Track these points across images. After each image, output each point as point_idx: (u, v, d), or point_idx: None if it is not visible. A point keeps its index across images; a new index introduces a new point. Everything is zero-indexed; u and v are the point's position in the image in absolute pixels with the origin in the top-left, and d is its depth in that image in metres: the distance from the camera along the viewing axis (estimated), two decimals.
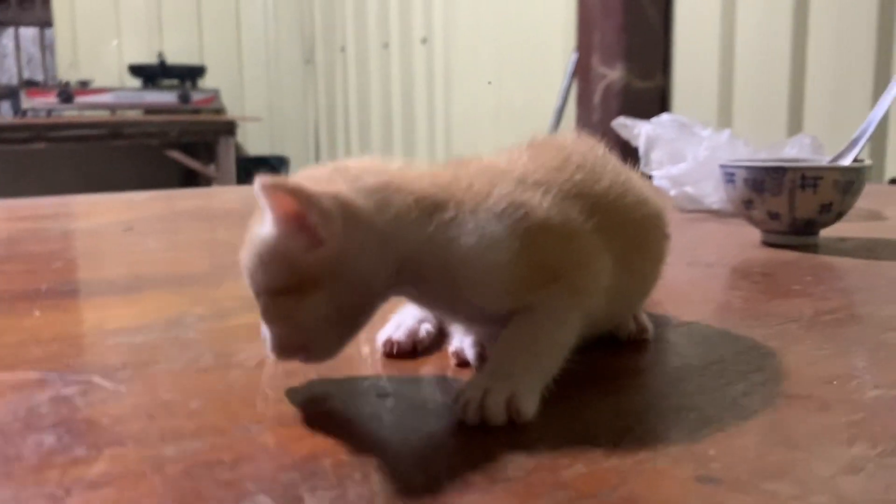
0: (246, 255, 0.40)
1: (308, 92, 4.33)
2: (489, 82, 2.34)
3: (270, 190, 0.37)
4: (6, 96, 3.76)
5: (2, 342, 0.54)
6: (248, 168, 3.87)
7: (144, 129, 3.57)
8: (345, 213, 0.39)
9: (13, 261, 0.89)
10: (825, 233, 0.88)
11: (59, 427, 0.38)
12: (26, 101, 3.49)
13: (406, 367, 0.47)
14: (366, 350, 0.49)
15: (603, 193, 0.44)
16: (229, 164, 3.72)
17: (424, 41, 3.42)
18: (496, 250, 0.40)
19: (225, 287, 0.71)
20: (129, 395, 0.43)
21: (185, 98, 3.73)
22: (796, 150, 1.06)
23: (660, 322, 0.55)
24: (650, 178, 1.13)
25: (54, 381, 0.45)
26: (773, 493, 0.31)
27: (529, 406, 0.37)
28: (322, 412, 0.40)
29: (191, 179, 3.73)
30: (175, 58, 3.82)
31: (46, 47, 3.90)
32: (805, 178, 0.82)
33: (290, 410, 0.40)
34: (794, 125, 2.08)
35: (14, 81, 3.83)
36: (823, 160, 0.92)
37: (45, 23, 3.84)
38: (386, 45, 3.66)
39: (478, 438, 0.36)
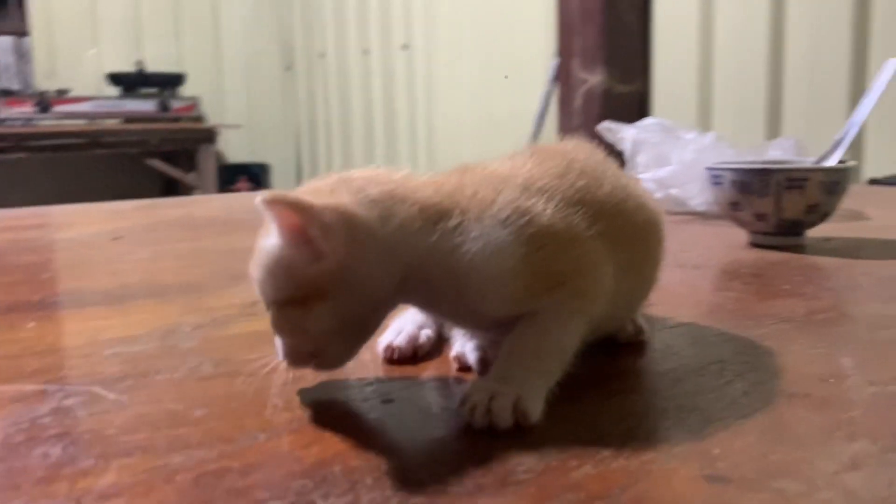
0: (254, 267, 0.41)
1: (288, 99, 4.32)
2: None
3: (271, 204, 0.38)
4: None
5: None
6: (229, 176, 3.85)
7: (124, 137, 3.54)
8: (347, 225, 0.39)
9: (0, 272, 0.88)
10: (811, 233, 0.90)
11: (64, 438, 0.38)
12: (3, 111, 3.45)
13: (408, 373, 0.47)
14: (367, 356, 0.49)
15: (605, 199, 0.44)
16: (210, 172, 3.70)
17: (405, 47, 3.42)
18: (501, 257, 0.40)
19: (218, 296, 0.71)
20: (132, 405, 0.43)
21: (164, 106, 3.71)
22: (780, 152, 1.08)
23: (655, 324, 0.55)
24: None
25: (55, 393, 0.44)
26: (780, 490, 0.31)
27: (535, 409, 0.38)
28: (328, 419, 0.40)
29: (171, 188, 3.70)
30: (154, 66, 3.79)
31: (23, 56, 3.86)
32: (791, 180, 0.83)
33: (296, 417, 0.40)
34: (773, 127, 2.11)
35: None
36: (808, 161, 0.93)
37: (21, 31, 3.80)
38: (366, 52, 3.66)
39: (485, 442, 0.36)
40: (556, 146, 0.49)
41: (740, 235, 0.92)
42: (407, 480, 0.33)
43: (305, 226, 0.38)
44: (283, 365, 0.42)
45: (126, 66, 3.76)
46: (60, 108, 3.53)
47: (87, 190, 2.79)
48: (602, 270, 0.43)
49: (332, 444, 0.37)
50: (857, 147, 1.84)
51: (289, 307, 0.40)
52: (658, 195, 1.14)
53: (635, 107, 1.79)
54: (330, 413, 0.41)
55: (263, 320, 0.42)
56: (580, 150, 0.48)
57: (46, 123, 3.52)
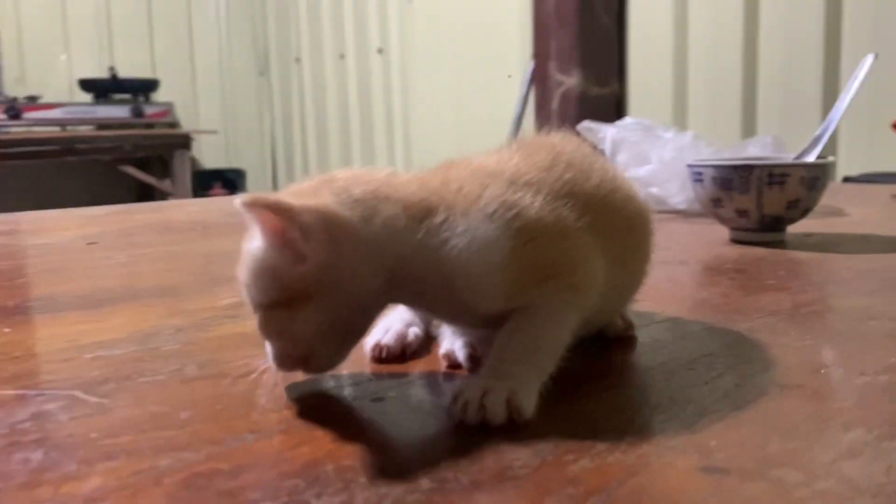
0: (240, 271, 0.41)
1: (263, 104, 4.30)
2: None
3: (251, 206, 0.37)
4: None
5: None
6: (204, 182, 3.82)
7: (97, 144, 3.50)
8: (327, 226, 0.38)
9: None
10: (791, 230, 0.90)
11: (45, 443, 0.37)
12: None
13: (397, 371, 0.46)
14: (355, 355, 0.48)
15: (593, 191, 0.44)
16: (185, 178, 3.67)
17: (381, 51, 3.42)
18: (488, 251, 0.39)
19: (198, 299, 0.69)
20: (115, 408, 0.41)
21: (138, 112, 3.67)
22: (759, 149, 1.08)
23: (643, 319, 0.55)
24: None
25: (34, 398, 0.43)
26: (779, 480, 0.31)
27: (529, 404, 0.37)
28: (318, 419, 0.39)
29: (146, 195, 3.66)
30: (127, 71, 3.75)
31: None
32: (772, 176, 0.83)
33: (285, 418, 0.39)
34: (749, 126, 2.13)
35: None
36: (787, 158, 0.93)
37: None
38: (342, 56, 3.65)
39: (479, 438, 0.36)
40: (543, 139, 0.48)
41: (722, 232, 0.92)
42: (401, 479, 0.32)
43: (285, 227, 0.38)
44: (273, 368, 0.41)
45: (98, 71, 3.73)
46: (31, 115, 3.49)
47: (61, 198, 2.75)
48: (593, 263, 0.42)
49: (324, 443, 0.36)
50: (830, 146, 1.86)
51: (275, 310, 0.39)
52: None
53: (612, 108, 1.80)
54: (320, 413, 0.40)
55: (246, 323, 0.42)
56: (567, 143, 0.48)
57: (17, 130, 3.47)
